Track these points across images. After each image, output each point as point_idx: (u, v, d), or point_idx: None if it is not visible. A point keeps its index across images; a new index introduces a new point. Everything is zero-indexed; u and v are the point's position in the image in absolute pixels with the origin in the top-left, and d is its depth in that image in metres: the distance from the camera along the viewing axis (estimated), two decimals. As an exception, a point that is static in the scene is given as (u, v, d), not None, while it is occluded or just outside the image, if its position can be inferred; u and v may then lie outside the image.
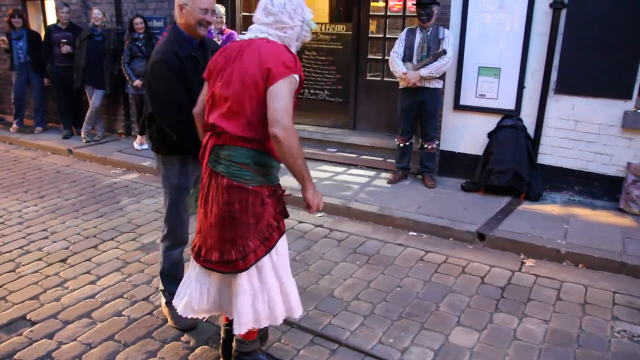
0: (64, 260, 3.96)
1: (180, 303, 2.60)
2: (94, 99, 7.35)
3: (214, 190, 2.34)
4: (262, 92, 2.19)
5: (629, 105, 4.72)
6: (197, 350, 2.88)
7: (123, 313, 3.25)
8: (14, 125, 8.22)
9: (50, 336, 3.00)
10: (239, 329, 2.37)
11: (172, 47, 2.82)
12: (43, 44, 7.69)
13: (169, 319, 3.13)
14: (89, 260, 3.97)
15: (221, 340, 2.74)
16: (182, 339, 2.99)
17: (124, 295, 3.46)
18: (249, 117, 2.23)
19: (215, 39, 6.16)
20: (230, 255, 2.32)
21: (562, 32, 4.87)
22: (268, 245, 2.35)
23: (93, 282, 3.63)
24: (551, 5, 4.85)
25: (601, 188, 5.02)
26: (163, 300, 3.19)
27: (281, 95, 2.16)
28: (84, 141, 7.41)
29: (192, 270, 2.56)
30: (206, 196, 2.39)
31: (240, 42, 2.35)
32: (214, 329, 3.08)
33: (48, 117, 8.52)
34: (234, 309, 2.37)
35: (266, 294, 2.38)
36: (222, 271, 2.38)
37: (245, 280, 2.35)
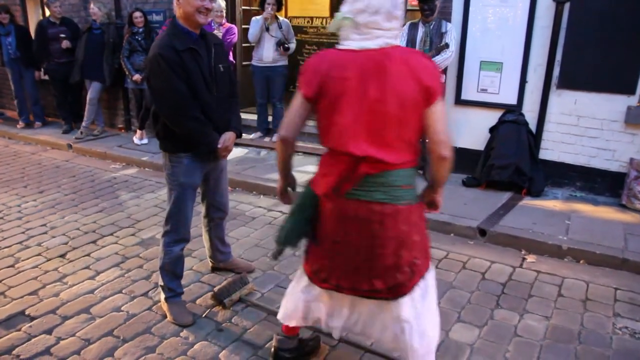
0: (63, 256, 3.95)
1: (290, 312, 2.52)
2: (90, 91, 7.30)
3: (363, 221, 2.12)
4: (421, 113, 2.02)
5: (632, 100, 4.68)
6: (196, 346, 2.87)
7: (122, 308, 3.24)
8: (20, 122, 8.19)
9: (49, 332, 2.99)
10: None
11: (169, 41, 2.80)
12: (37, 40, 7.56)
13: (168, 315, 3.11)
14: (88, 255, 3.96)
15: (273, 349, 2.68)
16: (181, 334, 2.98)
17: (123, 291, 3.45)
18: (410, 140, 2.08)
19: (215, 31, 6.14)
20: (396, 279, 2.17)
21: (564, 26, 4.83)
22: (429, 260, 2.31)
23: (92, 278, 3.62)
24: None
25: (603, 184, 4.99)
26: (162, 296, 3.18)
27: (443, 115, 2.04)
28: (80, 134, 7.35)
29: (310, 290, 2.44)
30: (345, 229, 2.16)
31: (367, 54, 2.02)
32: (213, 324, 3.07)
33: (47, 112, 8.50)
34: (406, 343, 2.26)
35: (429, 314, 2.29)
36: (382, 298, 2.23)
37: (408, 306, 2.23)
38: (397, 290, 2.19)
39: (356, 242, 2.17)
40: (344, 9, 2.09)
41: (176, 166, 3.02)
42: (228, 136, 3.08)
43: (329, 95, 2.04)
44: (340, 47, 2.10)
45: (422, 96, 1.98)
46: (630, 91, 4.67)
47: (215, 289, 3.31)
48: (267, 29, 6.30)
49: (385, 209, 2.10)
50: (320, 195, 2.23)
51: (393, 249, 2.14)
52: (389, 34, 2.04)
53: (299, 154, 6.40)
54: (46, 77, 7.94)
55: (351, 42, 2.07)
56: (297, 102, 2.15)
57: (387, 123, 2.01)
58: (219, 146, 3.02)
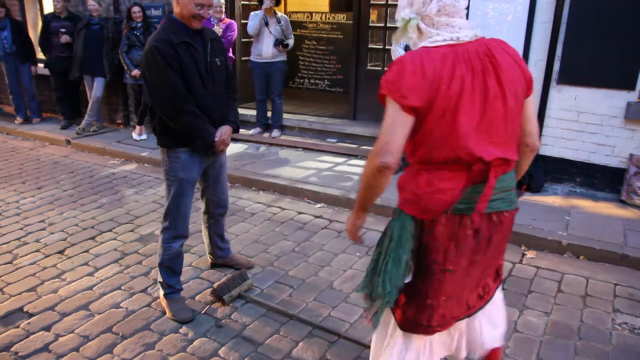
0: (61, 252, 3.94)
1: None
2: (95, 88, 7.26)
3: (492, 236, 1.90)
4: (522, 104, 1.90)
5: (633, 96, 4.67)
6: (196, 343, 2.86)
7: (121, 305, 3.23)
8: (18, 118, 8.15)
9: (47, 328, 2.99)
10: (503, 339, 2.31)
11: (164, 34, 2.81)
12: (41, 33, 7.58)
13: (167, 311, 3.11)
14: (86, 251, 3.95)
15: None
16: (181, 331, 2.97)
17: (122, 287, 3.44)
18: (517, 135, 1.94)
19: (215, 27, 6.12)
20: (500, 276, 2.18)
21: (565, 21, 4.80)
22: None
23: (91, 274, 3.61)
24: (554, -6, 4.79)
25: (603, 180, 4.98)
26: (161, 292, 3.17)
27: (535, 103, 1.99)
28: (81, 130, 7.33)
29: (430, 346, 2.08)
30: (471, 250, 1.88)
31: (468, 47, 1.80)
32: (212, 321, 3.06)
33: (45, 107, 8.47)
34: (500, 320, 2.28)
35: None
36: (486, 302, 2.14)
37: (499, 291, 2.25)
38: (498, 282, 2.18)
39: (483, 262, 1.95)
40: (405, 12, 1.87)
41: (174, 162, 3.01)
42: (225, 130, 3.07)
43: (444, 99, 1.71)
44: (429, 44, 1.81)
45: (526, 86, 1.90)
46: (631, 87, 4.66)
47: (215, 285, 3.31)
48: (267, 24, 6.28)
49: (509, 217, 1.93)
50: (428, 218, 1.87)
51: (499, 254, 2.06)
52: (466, 22, 1.87)
53: (298, 149, 6.40)
54: (45, 72, 7.91)
55: (437, 37, 1.81)
56: (397, 118, 1.76)
57: (504, 119, 1.80)
58: (216, 139, 3.01)
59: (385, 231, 1.97)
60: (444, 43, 1.78)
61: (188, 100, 2.87)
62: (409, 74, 1.72)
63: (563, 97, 4.98)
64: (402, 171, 2.04)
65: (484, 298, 2.11)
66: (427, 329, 1.97)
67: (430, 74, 1.71)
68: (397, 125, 1.77)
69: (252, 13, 6.40)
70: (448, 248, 1.86)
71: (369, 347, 2.79)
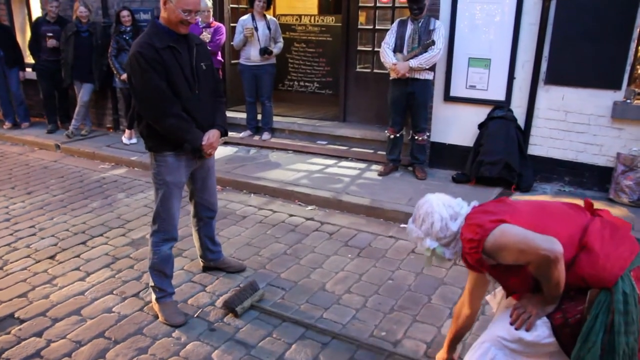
0: (52, 257, 3.91)
1: None
2: (82, 93, 7.26)
3: None
4: None
5: (619, 95, 4.73)
6: (189, 347, 2.86)
7: (113, 310, 3.22)
8: (6, 123, 8.09)
9: (39, 334, 2.97)
10: None
11: (148, 39, 2.83)
12: (31, 36, 7.56)
13: (159, 315, 3.10)
14: (78, 256, 3.93)
15: None
16: (173, 335, 2.97)
17: (114, 292, 3.43)
18: None
19: (204, 33, 6.11)
20: None
21: (551, 22, 4.86)
22: None
23: (82, 279, 3.59)
24: (540, -4, 4.84)
25: (591, 178, 5.04)
26: (153, 297, 3.16)
27: None
28: (71, 134, 7.29)
29: None
30: None
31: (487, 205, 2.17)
32: (205, 324, 3.06)
33: (33, 112, 8.41)
34: None
35: None
36: None
37: None
38: None
39: None
40: (427, 243, 2.13)
41: (161, 165, 3.02)
42: (212, 134, 3.08)
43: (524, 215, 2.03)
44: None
45: None
46: (617, 86, 4.72)
47: (226, 296, 3.26)
48: (256, 29, 6.28)
49: None
50: None
51: None
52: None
53: (289, 152, 6.40)
54: (33, 76, 7.86)
55: (457, 225, 2.10)
56: (510, 228, 1.92)
57: None
58: (203, 143, 3.01)
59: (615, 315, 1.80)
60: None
61: (173, 104, 2.88)
62: (474, 220, 2.03)
63: (551, 97, 5.03)
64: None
65: None
66: None
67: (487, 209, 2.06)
68: (518, 230, 1.91)
69: (240, 19, 6.40)
70: None
71: (362, 346, 2.81)
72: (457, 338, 2.54)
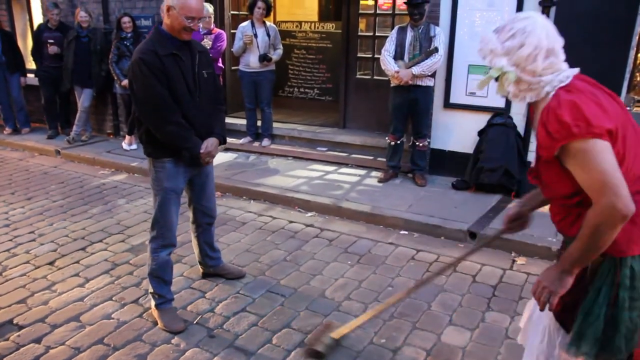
0: (51, 263, 3.91)
1: None
2: (83, 98, 7.28)
3: None
4: None
5: (618, 102, 4.73)
6: (188, 353, 2.85)
7: (112, 316, 3.21)
8: (7, 129, 8.11)
9: (38, 340, 2.96)
10: None
11: (151, 46, 2.83)
12: (33, 42, 7.59)
13: (159, 322, 3.09)
14: (77, 262, 3.92)
15: None
16: (173, 341, 2.96)
17: (113, 298, 3.42)
18: None
19: (205, 39, 6.13)
20: None
21: (551, 30, 4.87)
22: None
23: (82, 285, 3.59)
24: (540, 3, 4.85)
25: (591, 185, 5.03)
26: (152, 303, 3.16)
27: None
28: (72, 140, 7.30)
29: None
30: None
31: (586, 80, 1.77)
32: (205, 331, 3.05)
33: (34, 118, 8.43)
34: None
35: None
36: None
37: None
38: None
39: None
40: (502, 63, 1.75)
41: (160, 171, 3.03)
42: (211, 142, 3.08)
43: (620, 128, 1.64)
44: (559, 85, 1.71)
45: None
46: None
47: (306, 340, 2.91)
48: (255, 35, 6.30)
49: None
50: None
51: None
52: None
53: (289, 158, 6.41)
54: (34, 82, 7.88)
55: (554, 78, 1.71)
56: (606, 153, 1.58)
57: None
58: (202, 151, 3.02)
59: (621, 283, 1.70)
60: (568, 81, 1.71)
61: (174, 111, 2.89)
62: (592, 104, 1.62)
63: (550, 104, 5.03)
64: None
65: None
66: None
67: (603, 103, 1.64)
68: (609, 161, 1.57)
69: (239, 26, 6.42)
70: None
71: (362, 355, 2.80)
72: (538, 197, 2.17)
